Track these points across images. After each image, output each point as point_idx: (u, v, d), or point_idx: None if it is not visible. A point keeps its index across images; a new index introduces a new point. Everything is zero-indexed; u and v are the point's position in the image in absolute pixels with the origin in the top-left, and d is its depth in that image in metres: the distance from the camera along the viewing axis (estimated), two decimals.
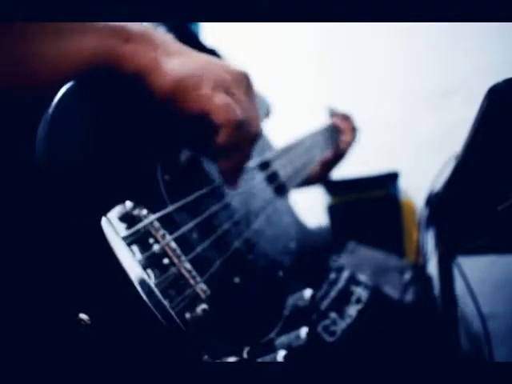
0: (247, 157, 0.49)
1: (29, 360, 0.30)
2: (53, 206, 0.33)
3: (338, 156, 1.17)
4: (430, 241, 0.68)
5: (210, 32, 0.91)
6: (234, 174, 0.49)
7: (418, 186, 0.94)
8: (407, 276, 0.76)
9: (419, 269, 0.71)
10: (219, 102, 0.42)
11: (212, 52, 0.78)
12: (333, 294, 0.57)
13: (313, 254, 0.65)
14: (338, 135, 1.18)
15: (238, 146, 0.46)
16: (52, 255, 0.32)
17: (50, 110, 0.34)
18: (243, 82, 0.47)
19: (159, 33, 0.44)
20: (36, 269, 0.32)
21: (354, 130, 1.26)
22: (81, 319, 0.31)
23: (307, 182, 1.14)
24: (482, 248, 0.65)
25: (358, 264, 0.79)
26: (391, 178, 1.51)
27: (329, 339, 0.50)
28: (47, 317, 0.31)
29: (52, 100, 0.35)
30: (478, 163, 0.48)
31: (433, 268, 0.68)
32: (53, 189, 0.33)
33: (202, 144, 0.47)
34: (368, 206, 1.51)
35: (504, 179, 0.47)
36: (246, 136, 0.46)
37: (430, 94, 1.74)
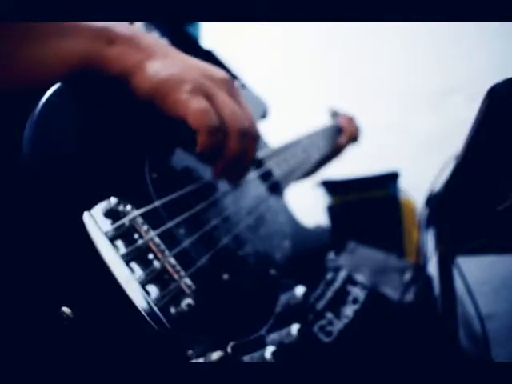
0: (240, 157, 0.48)
1: (10, 352, 0.31)
2: (38, 202, 0.33)
3: (333, 155, 1.18)
4: (430, 241, 0.68)
5: (209, 32, 0.91)
6: (231, 174, 0.49)
7: (417, 186, 0.94)
8: (407, 276, 0.76)
9: (419, 269, 0.71)
10: (195, 107, 0.42)
11: (209, 54, 0.78)
12: (329, 294, 0.57)
13: (309, 254, 0.65)
14: (339, 136, 1.18)
15: (219, 150, 0.45)
16: (36, 250, 0.32)
17: (37, 111, 0.35)
18: (224, 84, 0.47)
19: (144, 34, 0.44)
20: (20, 263, 0.32)
21: (356, 130, 1.27)
22: (63, 312, 0.31)
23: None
24: (482, 248, 0.65)
25: (357, 264, 0.79)
26: (391, 178, 1.51)
27: (325, 339, 0.50)
28: (30, 310, 0.31)
29: (38, 101, 0.36)
30: (478, 163, 0.48)
31: (433, 268, 0.68)
32: (38, 187, 0.33)
33: (193, 143, 0.47)
34: (368, 205, 1.51)
35: (504, 179, 0.47)
36: (231, 137, 0.45)
37: (430, 94, 1.74)
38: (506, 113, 0.38)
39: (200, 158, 0.46)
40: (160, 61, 0.43)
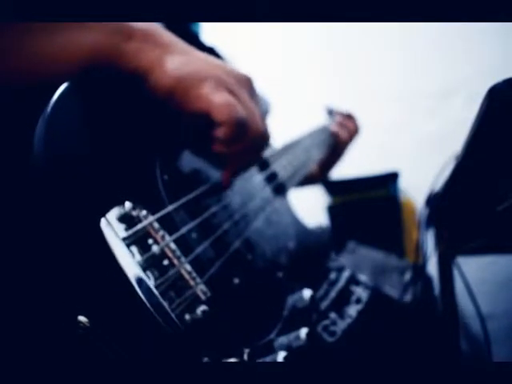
0: (253, 156, 0.49)
1: (27, 361, 0.30)
2: (51, 206, 0.32)
3: (336, 155, 1.16)
4: (429, 241, 0.68)
5: (210, 32, 0.91)
6: (234, 173, 0.50)
7: (418, 185, 0.94)
8: (407, 276, 0.76)
9: (419, 269, 0.71)
10: (220, 100, 0.42)
11: (212, 52, 0.78)
12: (333, 294, 0.57)
13: (312, 255, 0.65)
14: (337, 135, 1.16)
15: (239, 146, 0.46)
16: (51, 256, 0.32)
17: (48, 109, 0.34)
18: (245, 83, 0.47)
19: (162, 31, 0.44)
20: (34, 270, 0.31)
21: (356, 128, 1.24)
22: (80, 321, 0.30)
23: (306, 181, 1.13)
24: (481, 248, 0.65)
25: (357, 264, 0.79)
26: (391, 178, 1.51)
27: (329, 339, 0.50)
28: (46, 318, 0.31)
29: (50, 99, 0.35)
30: (478, 163, 0.48)
31: (433, 268, 0.68)
32: (51, 189, 0.33)
33: (203, 144, 0.47)
34: (368, 205, 1.51)
35: (504, 179, 0.47)
36: (248, 135, 0.46)
37: (430, 94, 1.74)
38: (506, 113, 0.38)
39: (215, 154, 0.46)
40: (179, 56, 0.42)
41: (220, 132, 0.43)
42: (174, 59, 0.42)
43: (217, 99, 0.42)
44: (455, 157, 0.56)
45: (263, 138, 0.48)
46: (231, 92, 0.44)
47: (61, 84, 0.36)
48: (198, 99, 0.42)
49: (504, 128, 0.40)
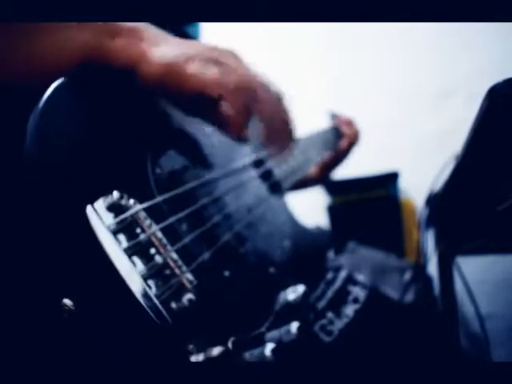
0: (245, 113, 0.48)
1: (10, 344, 0.31)
2: (42, 195, 0.33)
3: (337, 158, 1.16)
4: (430, 241, 0.68)
5: (210, 32, 0.91)
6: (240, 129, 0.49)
7: (418, 185, 0.94)
8: (407, 276, 0.76)
9: (419, 269, 0.71)
10: (211, 76, 0.43)
11: None
12: (330, 293, 0.57)
13: (309, 254, 0.65)
14: (339, 138, 1.17)
15: (246, 107, 0.46)
16: (38, 242, 0.32)
17: (40, 106, 0.35)
18: (230, 54, 0.47)
19: (147, 27, 0.45)
20: (21, 255, 0.32)
21: (355, 134, 1.25)
22: (64, 305, 0.31)
23: (307, 183, 1.13)
24: (482, 248, 0.65)
25: (358, 264, 0.79)
26: (391, 178, 1.50)
27: (326, 339, 0.50)
28: (31, 302, 0.31)
29: (41, 96, 0.36)
30: (478, 163, 0.48)
31: (433, 268, 0.68)
32: (41, 181, 0.34)
33: (211, 117, 0.47)
34: (368, 206, 1.51)
35: (504, 179, 0.47)
36: (250, 93, 0.46)
37: (430, 94, 1.74)
38: (506, 113, 0.38)
39: (229, 121, 0.46)
40: (165, 46, 0.43)
41: (223, 105, 0.44)
42: (160, 49, 0.43)
43: (207, 75, 0.43)
44: (455, 157, 0.56)
45: (277, 95, 0.49)
46: (219, 63, 0.44)
47: (49, 83, 0.37)
48: (190, 80, 0.42)
49: (504, 128, 0.40)
